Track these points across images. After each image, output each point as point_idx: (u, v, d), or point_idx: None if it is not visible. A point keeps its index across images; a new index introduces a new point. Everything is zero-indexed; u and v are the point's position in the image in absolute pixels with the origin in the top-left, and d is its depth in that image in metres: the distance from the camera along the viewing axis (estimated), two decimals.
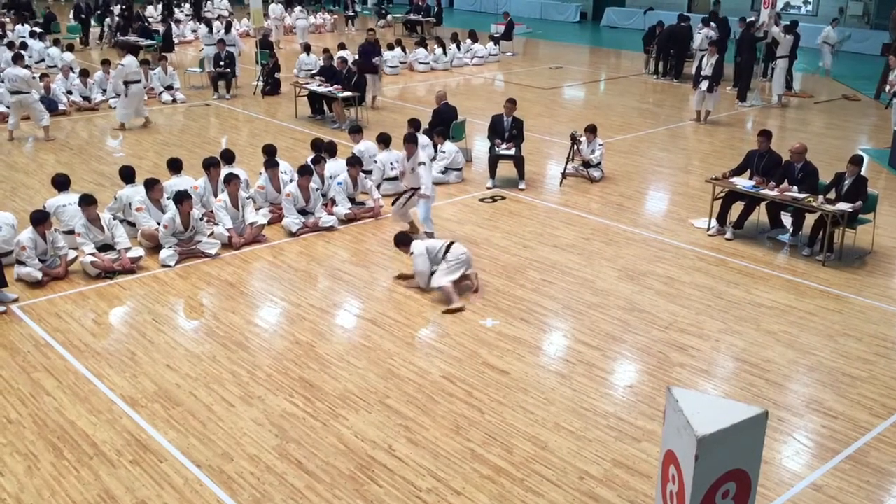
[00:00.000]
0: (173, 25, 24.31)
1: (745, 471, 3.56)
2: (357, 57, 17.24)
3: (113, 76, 16.76)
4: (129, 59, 15.15)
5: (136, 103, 15.28)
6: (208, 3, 30.67)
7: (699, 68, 16.44)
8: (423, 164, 9.62)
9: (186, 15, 27.08)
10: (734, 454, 3.49)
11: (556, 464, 5.83)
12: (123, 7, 25.00)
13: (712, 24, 21.13)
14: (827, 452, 6.03)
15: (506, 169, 12.15)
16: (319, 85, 15.89)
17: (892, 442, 6.15)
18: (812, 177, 9.73)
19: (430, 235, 9.55)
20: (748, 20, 19.46)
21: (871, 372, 7.13)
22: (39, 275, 8.54)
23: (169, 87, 17.88)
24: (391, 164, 11.63)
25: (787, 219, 10.12)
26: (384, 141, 11.75)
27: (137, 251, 9.13)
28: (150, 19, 25.88)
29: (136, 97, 15.18)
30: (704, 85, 16.09)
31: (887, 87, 15.21)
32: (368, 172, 11.42)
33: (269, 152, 10.98)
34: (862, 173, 9.65)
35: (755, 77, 19.29)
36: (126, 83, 14.94)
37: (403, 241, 8.66)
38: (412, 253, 8.51)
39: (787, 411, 6.52)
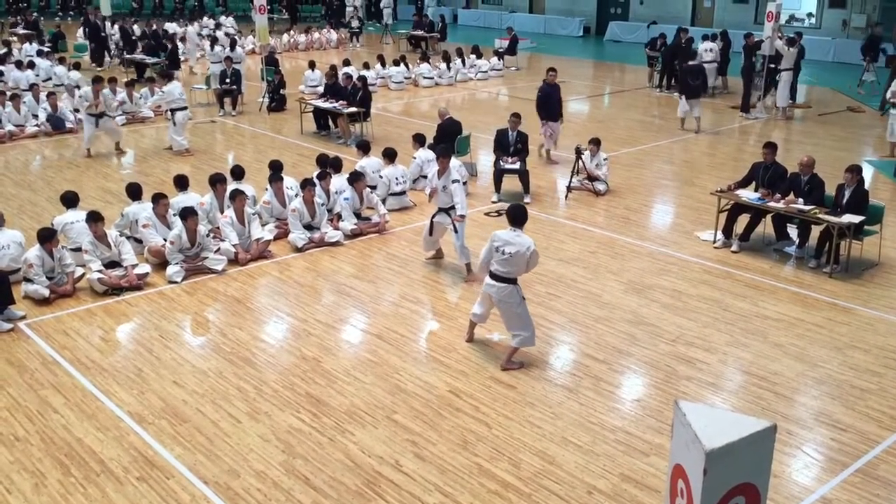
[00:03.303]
0: (179, 44, 24.45)
1: (754, 485, 3.55)
2: (538, 107, 14.02)
3: (152, 100, 16.99)
4: (171, 87, 14.89)
5: (183, 129, 14.96)
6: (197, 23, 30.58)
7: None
8: (458, 181, 8.97)
9: (199, 34, 27.23)
10: (743, 468, 3.47)
11: (563, 478, 5.80)
12: (128, 25, 25.15)
13: (718, 38, 21.25)
14: (836, 466, 5.99)
15: (511, 183, 12.16)
16: (325, 101, 15.97)
17: None
18: (818, 189, 9.72)
19: (468, 267, 9.15)
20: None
21: (880, 384, 7.10)
22: (46, 292, 8.57)
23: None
24: (396, 179, 11.67)
25: (793, 231, 10.10)
26: (389, 156, 11.80)
27: (144, 268, 9.17)
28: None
29: (182, 124, 14.83)
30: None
31: (888, 96, 15.27)
32: (373, 188, 11.46)
33: (275, 167, 11.04)
34: (866, 185, 9.65)
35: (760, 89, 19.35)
36: (172, 111, 14.70)
37: (520, 216, 7.21)
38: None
39: (796, 424, 6.49)
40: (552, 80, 13.92)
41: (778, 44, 17.75)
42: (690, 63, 17.41)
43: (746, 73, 18.56)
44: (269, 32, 21.19)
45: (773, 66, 17.86)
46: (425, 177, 11.68)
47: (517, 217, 7.17)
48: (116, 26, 25.69)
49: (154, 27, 24.93)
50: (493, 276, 7.16)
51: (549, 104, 13.85)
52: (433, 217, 9.31)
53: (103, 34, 24.71)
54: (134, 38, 24.40)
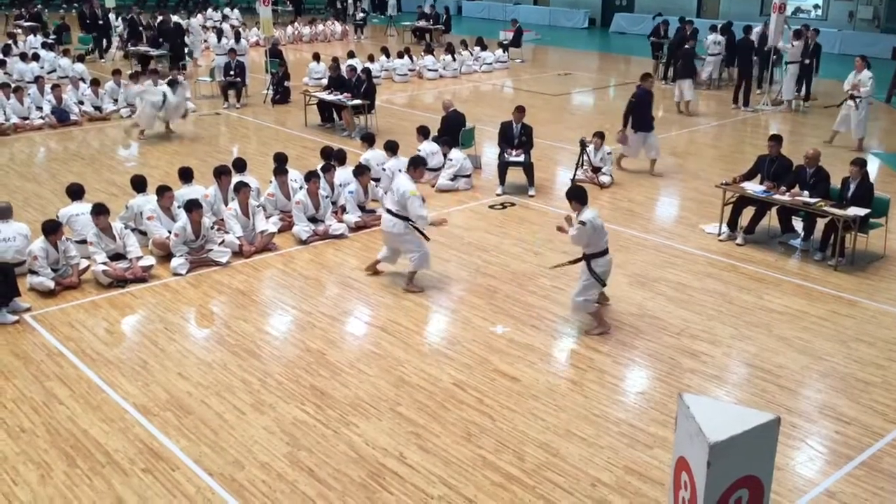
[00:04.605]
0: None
1: (758, 477, 3.55)
2: (626, 112, 12.96)
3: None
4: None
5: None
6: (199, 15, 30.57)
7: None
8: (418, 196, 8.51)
9: (203, 27, 27.16)
10: (747, 461, 3.48)
11: (567, 471, 5.81)
12: (131, 16, 25.09)
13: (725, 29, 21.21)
14: (840, 458, 5.99)
15: (515, 176, 12.15)
16: (329, 93, 15.96)
17: None
18: (824, 182, 9.69)
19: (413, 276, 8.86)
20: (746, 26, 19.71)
21: (885, 377, 7.09)
22: (52, 284, 8.59)
23: None
24: (400, 170, 11.63)
25: (798, 224, 10.08)
26: (391, 148, 11.78)
27: (149, 260, 9.18)
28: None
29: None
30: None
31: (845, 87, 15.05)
32: (377, 180, 11.46)
33: (279, 160, 11.04)
34: (871, 177, 9.62)
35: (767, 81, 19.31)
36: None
37: (578, 196, 7.70)
38: (580, 221, 7.49)
39: (800, 417, 6.49)
40: (650, 85, 13.06)
41: (780, 43, 17.74)
42: (685, 46, 17.96)
43: (744, 67, 18.54)
44: (274, 24, 21.18)
45: (775, 57, 17.96)
46: (431, 169, 11.71)
47: (581, 195, 7.72)
48: (120, 18, 25.65)
49: (167, 21, 24.89)
50: (604, 253, 7.73)
51: (642, 112, 12.93)
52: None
53: (141, 28, 24.60)
54: (140, 28, 24.36)
